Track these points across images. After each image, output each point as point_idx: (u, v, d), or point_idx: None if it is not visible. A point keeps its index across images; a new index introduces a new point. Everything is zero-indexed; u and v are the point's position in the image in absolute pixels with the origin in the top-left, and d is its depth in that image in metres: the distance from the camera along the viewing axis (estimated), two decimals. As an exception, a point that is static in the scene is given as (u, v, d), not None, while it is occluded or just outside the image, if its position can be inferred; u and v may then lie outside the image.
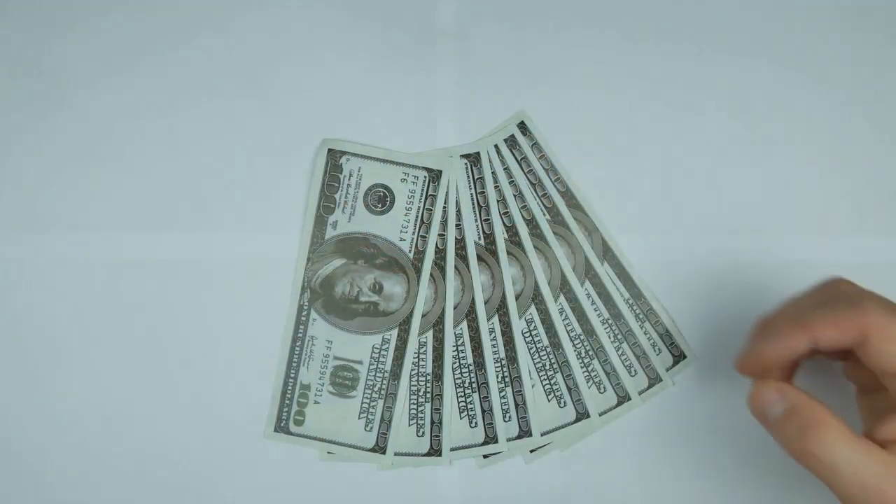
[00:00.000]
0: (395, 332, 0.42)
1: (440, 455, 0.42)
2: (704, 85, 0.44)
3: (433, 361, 0.42)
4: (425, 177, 0.42)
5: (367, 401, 0.42)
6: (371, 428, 0.42)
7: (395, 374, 0.42)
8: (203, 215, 0.44)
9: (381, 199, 0.42)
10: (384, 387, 0.42)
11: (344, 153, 0.42)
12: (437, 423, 0.42)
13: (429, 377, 0.41)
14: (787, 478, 0.42)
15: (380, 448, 0.42)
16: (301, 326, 0.42)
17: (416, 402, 0.42)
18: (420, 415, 0.42)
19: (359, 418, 0.42)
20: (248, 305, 0.43)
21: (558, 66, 0.44)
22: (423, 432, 0.42)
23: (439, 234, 0.42)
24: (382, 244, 0.42)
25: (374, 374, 0.42)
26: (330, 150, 0.42)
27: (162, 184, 0.44)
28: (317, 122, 0.44)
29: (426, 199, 0.42)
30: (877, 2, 0.45)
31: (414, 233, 0.42)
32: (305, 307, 0.42)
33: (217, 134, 0.44)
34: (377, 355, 0.42)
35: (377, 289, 0.42)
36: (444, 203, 0.42)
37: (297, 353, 0.42)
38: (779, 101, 0.44)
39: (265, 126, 0.44)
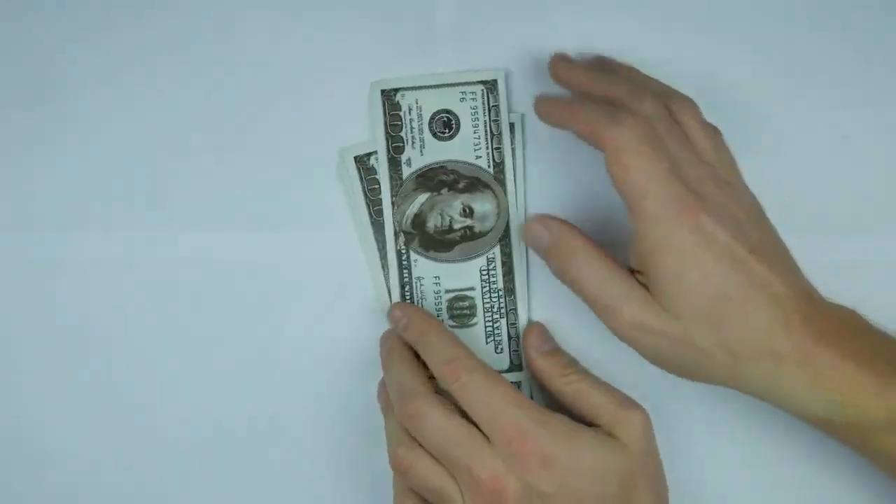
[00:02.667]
0: (497, 249, 0.42)
1: (521, 370, 0.42)
2: (706, 78, 0.44)
3: (503, 276, 0.42)
4: (482, 90, 0.42)
5: (490, 324, 0.42)
6: (501, 350, 0.42)
7: (510, 289, 0.42)
8: (205, 215, 0.44)
9: (446, 125, 0.42)
10: (502, 305, 0.42)
11: (398, 90, 0.42)
12: (513, 338, 0.42)
13: (501, 292, 0.42)
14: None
15: (515, 366, 0.42)
16: (405, 271, 0.42)
17: (490, 318, 0.42)
18: (497, 331, 0.42)
19: (486, 343, 0.42)
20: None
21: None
22: (501, 349, 0.42)
23: (495, 148, 0.42)
24: (461, 167, 0.42)
25: (489, 295, 0.42)
26: (383, 91, 0.42)
27: (181, 181, 0.44)
28: (324, 116, 0.44)
29: (489, 110, 0.42)
30: (877, 2, 0.45)
31: (487, 147, 0.42)
32: (404, 251, 0.42)
33: (220, 132, 0.44)
34: (487, 276, 0.42)
35: (468, 212, 0.42)
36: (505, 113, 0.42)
37: (408, 298, 0.42)
38: (779, 100, 0.44)
39: (269, 125, 0.44)
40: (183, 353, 0.43)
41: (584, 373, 0.40)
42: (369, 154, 0.42)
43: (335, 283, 0.43)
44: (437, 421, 0.36)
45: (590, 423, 0.37)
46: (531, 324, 0.42)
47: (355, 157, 0.42)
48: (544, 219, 0.39)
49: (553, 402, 0.40)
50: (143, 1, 0.44)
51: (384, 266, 0.42)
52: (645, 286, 0.36)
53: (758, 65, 0.44)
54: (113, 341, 0.43)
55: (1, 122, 0.44)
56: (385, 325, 0.42)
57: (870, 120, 0.44)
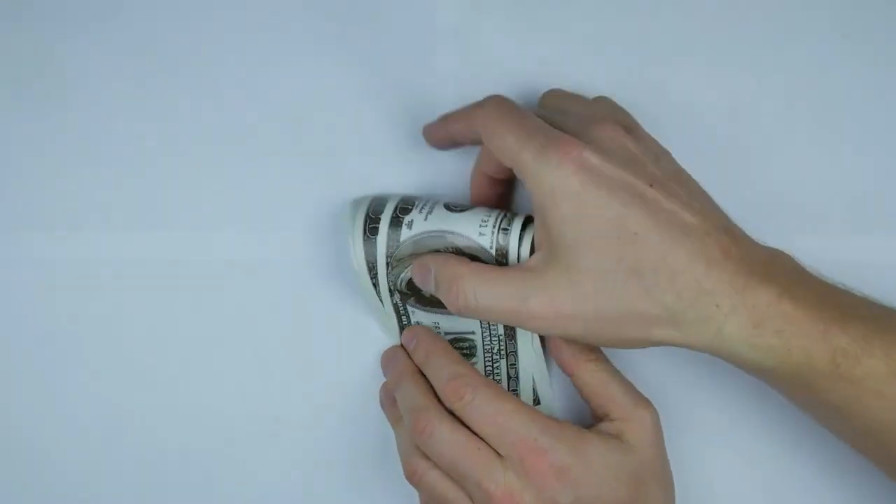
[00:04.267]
0: None
1: None
2: (704, 87, 0.44)
3: (504, 327, 0.40)
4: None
5: (490, 363, 0.41)
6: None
7: (510, 335, 0.40)
8: (205, 215, 0.44)
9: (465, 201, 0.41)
10: (503, 347, 0.41)
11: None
12: (513, 378, 0.41)
13: (502, 337, 0.40)
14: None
15: None
16: (403, 318, 0.41)
17: (490, 359, 0.41)
18: (496, 370, 0.41)
19: None
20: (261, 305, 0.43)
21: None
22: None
23: (503, 229, 0.39)
24: (459, 240, 0.38)
25: (489, 339, 0.41)
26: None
27: (183, 184, 0.44)
28: (323, 126, 0.44)
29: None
30: (877, 2, 0.45)
31: (495, 226, 0.38)
32: (401, 306, 0.41)
33: (220, 132, 0.44)
34: (486, 324, 0.40)
35: None
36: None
37: None
38: (777, 100, 0.44)
39: (269, 125, 0.44)
40: (183, 353, 0.43)
41: (607, 362, 0.39)
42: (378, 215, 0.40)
43: (335, 283, 0.43)
44: (446, 436, 0.36)
45: (600, 415, 0.37)
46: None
47: (365, 212, 0.40)
48: (424, 259, 0.38)
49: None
50: (144, 1, 0.44)
51: (388, 264, 0.40)
52: (546, 270, 0.35)
53: (757, 65, 0.44)
54: (113, 341, 0.43)
55: (1, 122, 0.44)
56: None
57: (870, 120, 0.44)
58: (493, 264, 0.37)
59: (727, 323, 0.33)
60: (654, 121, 0.44)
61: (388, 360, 0.41)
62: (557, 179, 0.33)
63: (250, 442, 0.43)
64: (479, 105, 0.37)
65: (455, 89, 0.44)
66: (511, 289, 0.35)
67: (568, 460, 0.35)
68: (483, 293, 0.35)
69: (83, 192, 0.44)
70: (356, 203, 0.40)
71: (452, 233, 0.38)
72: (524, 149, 0.34)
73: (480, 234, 0.38)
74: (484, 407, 0.36)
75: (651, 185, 0.33)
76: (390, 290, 0.40)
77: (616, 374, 0.38)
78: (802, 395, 0.35)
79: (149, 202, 0.44)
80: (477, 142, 0.38)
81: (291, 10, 0.44)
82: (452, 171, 0.44)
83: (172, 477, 0.43)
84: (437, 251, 0.38)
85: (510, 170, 0.36)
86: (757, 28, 0.45)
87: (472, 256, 0.38)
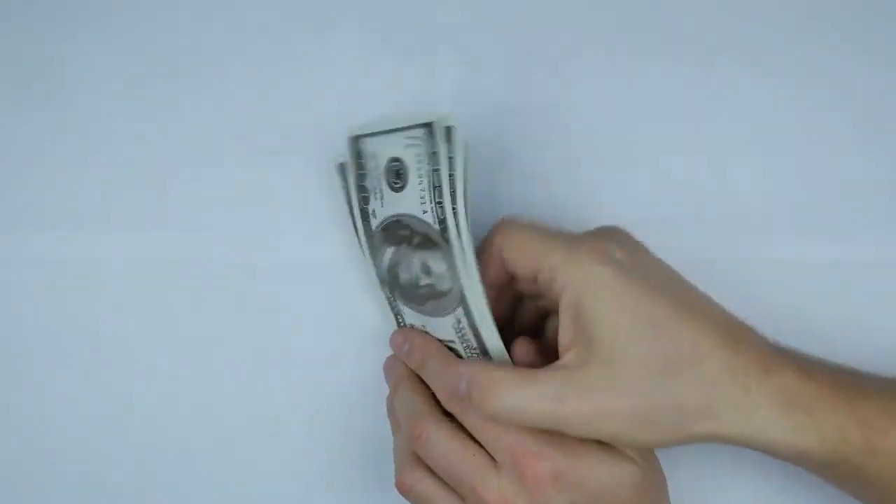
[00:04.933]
0: (461, 310, 0.38)
1: None
2: (707, 88, 0.44)
3: (474, 337, 0.39)
4: (424, 134, 0.36)
5: None
6: None
7: (484, 350, 0.38)
8: (205, 215, 0.44)
9: (397, 174, 0.38)
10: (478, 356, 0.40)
11: (362, 136, 0.39)
12: None
13: (477, 352, 0.39)
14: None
15: None
16: (399, 317, 0.41)
17: None
18: None
19: None
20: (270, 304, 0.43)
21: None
22: None
23: (437, 202, 0.37)
24: (413, 222, 0.37)
25: (468, 350, 0.39)
26: (350, 138, 0.39)
27: (179, 183, 0.44)
28: (321, 116, 0.44)
29: (430, 159, 0.37)
30: (876, 2, 0.45)
31: (431, 202, 0.37)
32: (391, 297, 0.40)
33: (220, 132, 0.44)
34: (461, 334, 0.39)
35: (426, 270, 0.38)
36: (445, 165, 0.36)
37: None
38: (776, 99, 0.44)
39: (269, 126, 0.44)
40: (183, 353, 0.43)
41: None
42: (362, 136, 0.39)
43: (336, 283, 0.43)
44: (442, 442, 0.36)
45: None
46: (518, 339, 0.39)
47: (351, 137, 0.39)
48: (455, 368, 0.37)
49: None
50: (144, 1, 0.44)
51: (371, 254, 0.40)
52: (583, 368, 0.34)
53: (756, 65, 0.44)
54: (113, 341, 0.43)
55: (1, 122, 0.44)
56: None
57: (870, 119, 0.44)
58: (440, 241, 0.37)
59: (759, 406, 0.34)
60: (649, 116, 0.44)
61: (387, 368, 0.41)
62: (591, 275, 0.34)
63: (250, 442, 0.43)
64: (495, 230, 0.38)
65: (455, 89, 0.44)
66: (547, 389, 0.34)
67: (563, 465, 0.35)
68: (518, 396, 0.34)
69: (83, 192, 0.44)
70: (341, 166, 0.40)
71: (403, 215, 0.38)
72: (552, 251, 0.35)
73: (423, 211, 0.37)
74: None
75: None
76: (381, 280, 0.40)
77: None
78: (838, 472, 0.35)
79: (149, 202, 0.44)
80: (500, 274, 0.38)
81: (291, 10, 0.44)
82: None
83: (172, 477, 0.43)
84: (451, 347, 0.39)
85: (508, 280, 0.38)
86: (755, 26, 0.45)
87: (424, 234, 0.37)
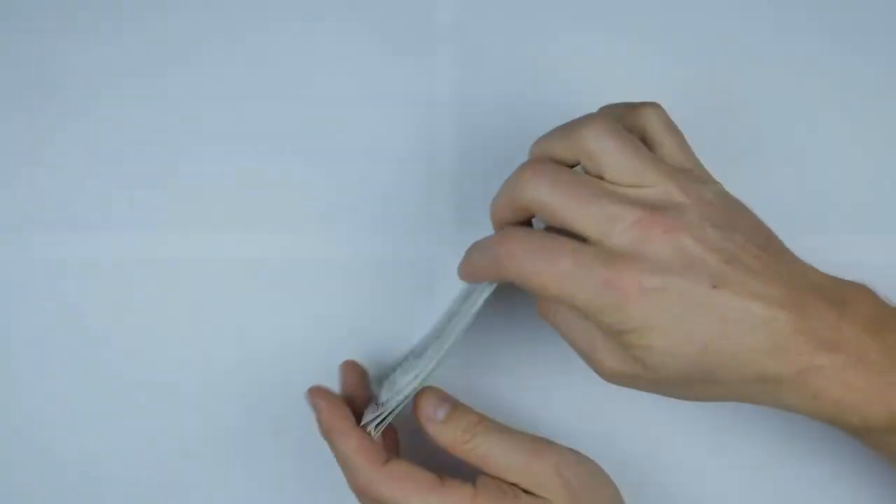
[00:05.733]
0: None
1: None
2: (704, 87, 0.44)
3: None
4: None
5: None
6: None
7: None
8: (205, 215, 0.44)
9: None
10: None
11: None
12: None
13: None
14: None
15: None
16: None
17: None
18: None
19: None
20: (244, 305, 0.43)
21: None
22: None
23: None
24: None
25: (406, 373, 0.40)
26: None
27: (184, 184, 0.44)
28: (319, 121, 0.44)
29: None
30: (875, 2, 0.45)
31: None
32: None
33: (220, 132, 0.44)
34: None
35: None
36: None
37: None
38: (778, 100, 0.44)
39: (269, 125, 0.44)
40: (183, 353, 0.43)
41: (487, 432, 0.37)
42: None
43: (336, 283, 0.43)
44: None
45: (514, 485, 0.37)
46: (424, 390, 0.38)
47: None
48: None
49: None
50: (143, 1, 0.44)
51: None
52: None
53: (756, 65, 0.44)
54: (113, 341, 0.43)
55: (1, 122, 0.44)
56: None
57: (869, 120, 0.44)
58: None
59: (787, 398, 0.33)
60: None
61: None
62: (630, 318, 0.32)
63: (250, 442, 0.43)
64: (500, 240, 0.34)
65: (455, 89, 0.44)
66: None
67: None
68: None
69: (83, 192, 0.44)
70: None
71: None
72: (579, 291, 0.32)
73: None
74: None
75: (715, 287, 0.32)
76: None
77: (502, 438, 0.37)
78: (868, 442, 0.35)
79: (149, 202, 0.44)
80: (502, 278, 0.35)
81: (290, 10, 0.44)
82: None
83: (172, 477, 0.43)
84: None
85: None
86: (755, 26, 0.45)
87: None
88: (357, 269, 0.43)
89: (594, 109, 0.44)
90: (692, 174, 0.34)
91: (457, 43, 0.44)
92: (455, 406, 0.38)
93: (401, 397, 0.37)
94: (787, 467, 0.43)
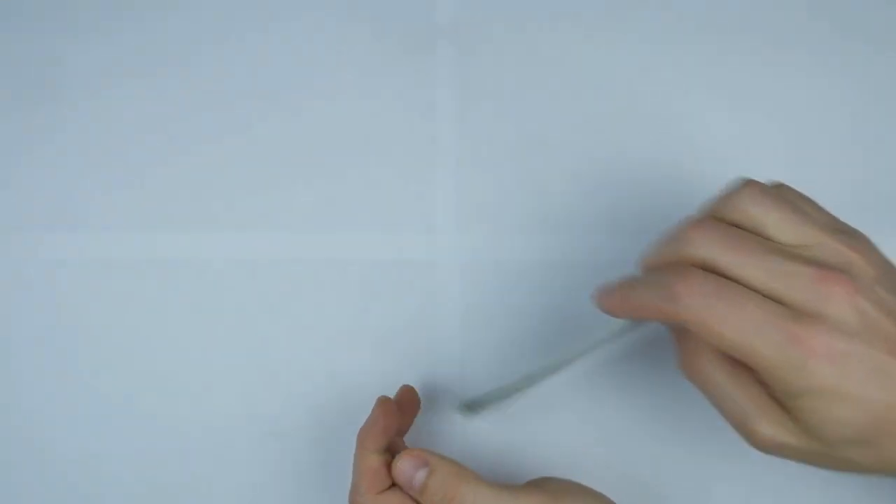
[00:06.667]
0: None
1: None
2: (709, 86, 0.44)
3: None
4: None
5: None
6: None
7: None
8: (206, 215, 0.44)
9: None
10: None
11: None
12: None
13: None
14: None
15: None
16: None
17: None
18: None
19: None
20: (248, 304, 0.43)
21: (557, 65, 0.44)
22: None
23: None
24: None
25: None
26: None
27: (174, 184, 0.44)
28: (318, 124, 0.44)
29: None
30: (875, 2, 0.45)
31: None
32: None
33: (220, 132, 0.44)
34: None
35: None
36: None
37: None
38: (777, 100, 0.44)
39: (269, 125, 0.44)
40: (183, 353, 0.43)
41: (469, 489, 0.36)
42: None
43: (335, 283, 0.43)
44: None
45: None
46: (402, 452, 0.37)
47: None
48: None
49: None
50: (144, 1, 0.44)
51: None
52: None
53: (755, 65, 0.44)
54: (112, 341, 0.43)
55: (1, 122, 0.44)
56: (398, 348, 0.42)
57: (869, 118, 0.44)
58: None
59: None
60: (655, 114, 0.44)
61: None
62: (811, 379, 0.30)
63: (250, 442, 0.43)
64: (681, 278, 0.31)
65: (455, 89, 0.44)
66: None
67: None
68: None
69: (83, 192, 0.44)
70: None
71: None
72: (763, 344, 0.30)
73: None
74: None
75: (890, 353, 0.30)
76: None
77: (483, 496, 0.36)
78: None
79: (149, 202, 0.44)
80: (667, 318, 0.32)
81: (290, 10, 0.44)
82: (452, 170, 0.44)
83: (172, 477, 0.43)
84: None
85: None
86: (754, 26, 0.45)
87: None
88: (357, 270, 0.43)
89: (594, 109, 0.44)
90: (848, 232, 0.33)
91: (457, 43, 0.44)
92: (434, 468, 0.36)
93: (501, 389, 0.38)
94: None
